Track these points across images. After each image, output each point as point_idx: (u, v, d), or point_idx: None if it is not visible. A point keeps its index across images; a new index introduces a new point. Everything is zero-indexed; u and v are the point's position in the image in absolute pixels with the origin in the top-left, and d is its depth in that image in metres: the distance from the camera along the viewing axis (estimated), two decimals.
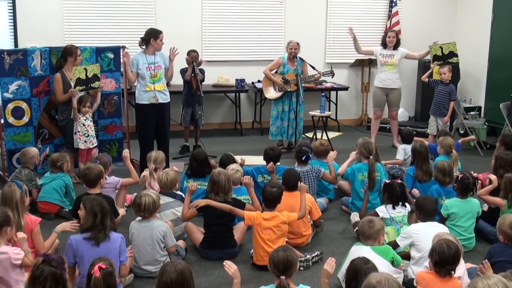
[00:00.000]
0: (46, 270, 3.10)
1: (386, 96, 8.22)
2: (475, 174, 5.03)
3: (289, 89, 7.69)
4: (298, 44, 7.70)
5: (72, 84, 6.17)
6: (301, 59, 7.73)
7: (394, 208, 4.76)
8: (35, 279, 3.11)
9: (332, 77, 8.01)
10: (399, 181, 4.91)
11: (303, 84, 7.72)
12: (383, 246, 3.97)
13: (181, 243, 4.59)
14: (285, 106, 7.83)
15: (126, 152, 5.53)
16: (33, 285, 3.12)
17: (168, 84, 6.82)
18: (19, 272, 3.64)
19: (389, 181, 4.95)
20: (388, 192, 4.82)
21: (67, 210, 5.44)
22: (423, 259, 3.99)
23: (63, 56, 6.29)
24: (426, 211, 4.32)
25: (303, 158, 5.60)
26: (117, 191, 5.45)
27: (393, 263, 3.92)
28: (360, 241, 4.07)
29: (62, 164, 5.56)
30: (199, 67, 7.51)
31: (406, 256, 4.32)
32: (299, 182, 4.91)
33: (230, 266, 3.47)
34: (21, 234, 3.79)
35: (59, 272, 3.14)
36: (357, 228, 4.95)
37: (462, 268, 3.72)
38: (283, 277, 3.32)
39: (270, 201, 4.48)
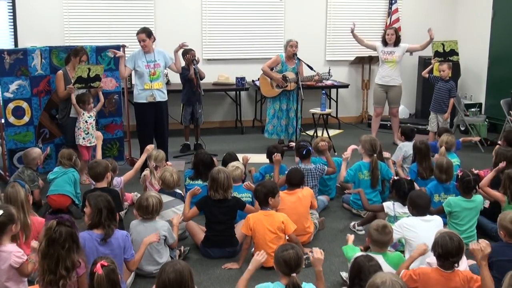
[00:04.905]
0: (64, 230, 3.16)
1: (386, 93, 8.21)
2: (476, 171, 5.00)
3: (287, 87, 7.68)
4: (297, 42, 7.69)
5: (72, 81, 6.17)
6: (299, 58, 7.71)
7: (404, 205, 4.65)
8: (54, 241, 3.14)
9: (328, 79, 8.04)
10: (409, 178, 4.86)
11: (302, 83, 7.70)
12: (394, 254, 3.86)
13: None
14: (282, 104, 7.79)
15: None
16: (50, 247, 3.14)
17: (167, 83, 6.79)
18: (12, 276, 3.47)
19: (398, 177, 4.92)
20: (396, 188, 4.77)
21: (77, 205, 5.44)
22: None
23: (71, 54, 6.30)
24: (419, 207, 4.28)
25: (304, 153, 5.58)
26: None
27: None
28: (370, 247, 3.87)
29: (76, 158, 5.62)
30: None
31: None
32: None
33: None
34: (35, 244, 3.60)
35: (74, 231, 3.21)
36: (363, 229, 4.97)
37: (464, 264, 3.72)
38: (294, 275, 3.27)
39: (257, 199, 4.51)
